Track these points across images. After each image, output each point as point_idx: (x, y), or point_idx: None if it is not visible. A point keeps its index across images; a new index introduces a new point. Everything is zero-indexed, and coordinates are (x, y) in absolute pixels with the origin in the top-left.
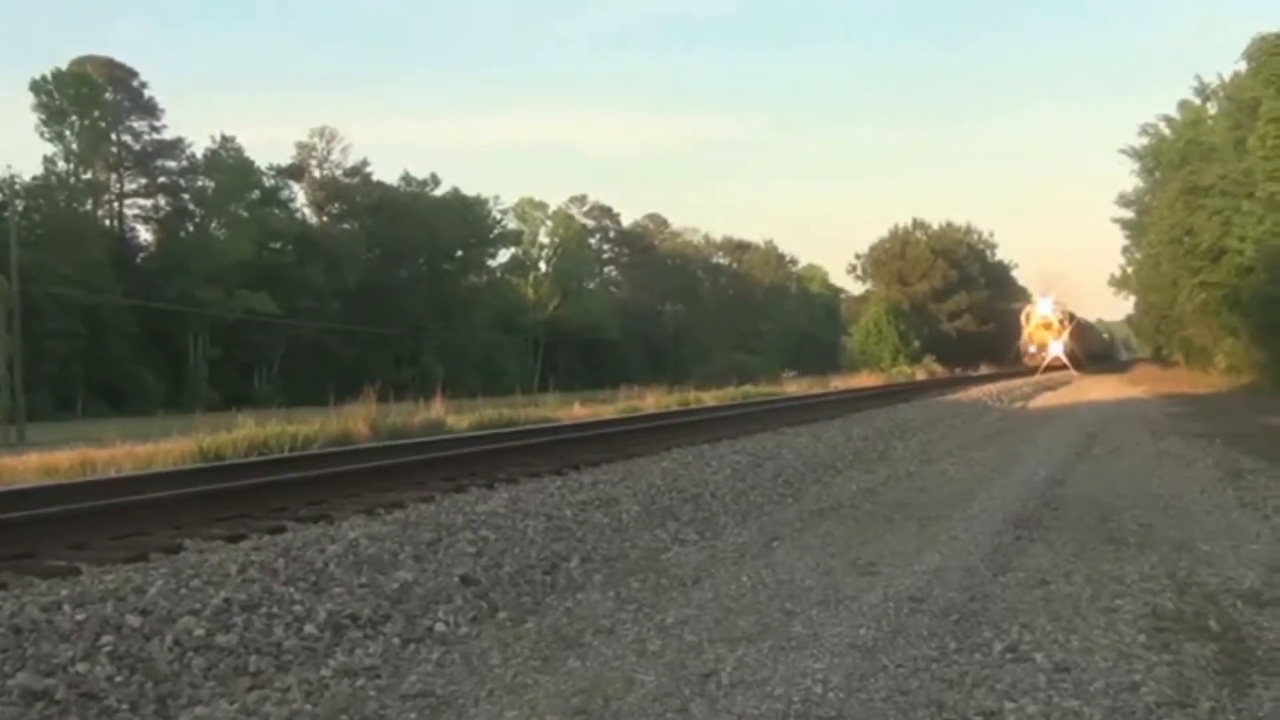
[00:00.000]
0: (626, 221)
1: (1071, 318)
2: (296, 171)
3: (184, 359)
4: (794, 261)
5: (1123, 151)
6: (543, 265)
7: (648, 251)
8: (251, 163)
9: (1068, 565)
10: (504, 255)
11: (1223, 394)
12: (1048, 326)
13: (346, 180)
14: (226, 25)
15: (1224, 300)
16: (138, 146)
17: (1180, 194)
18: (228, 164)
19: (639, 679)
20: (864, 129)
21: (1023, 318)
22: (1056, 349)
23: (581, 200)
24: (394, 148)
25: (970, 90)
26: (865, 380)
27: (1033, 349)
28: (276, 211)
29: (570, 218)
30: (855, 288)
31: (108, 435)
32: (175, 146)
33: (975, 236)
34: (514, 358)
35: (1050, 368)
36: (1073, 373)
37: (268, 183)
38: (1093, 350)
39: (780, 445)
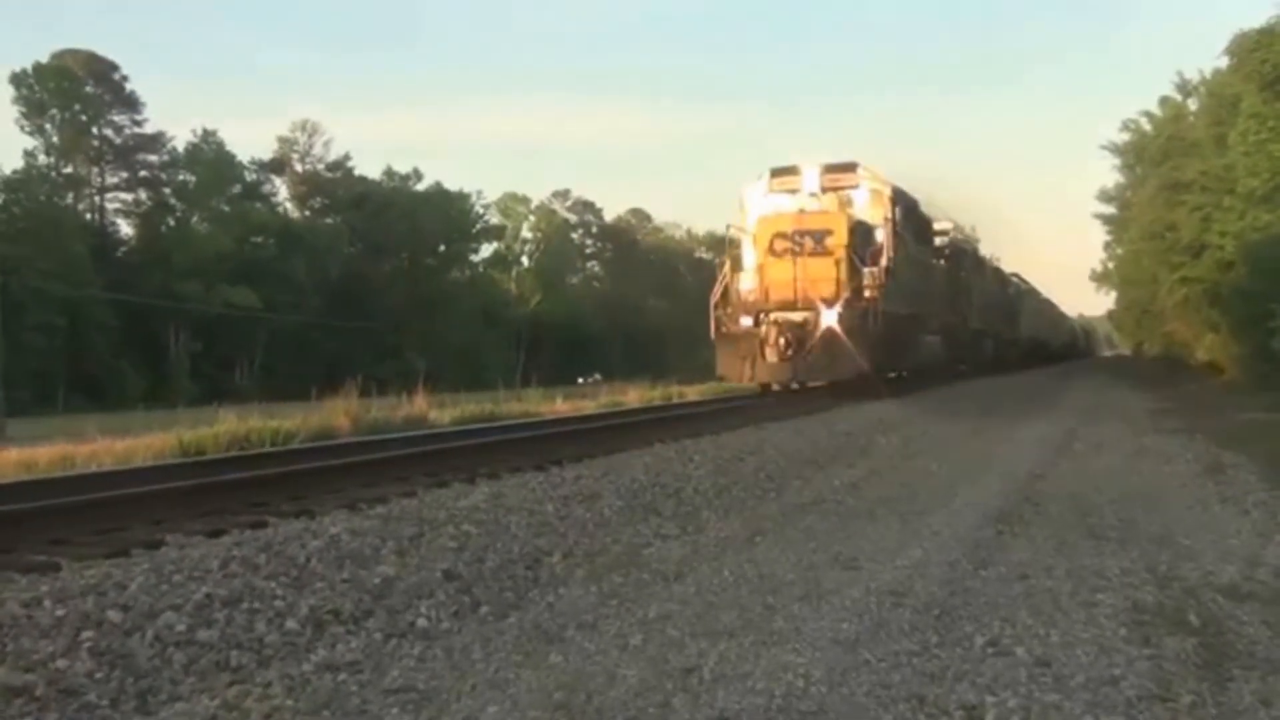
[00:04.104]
0: (609, 216)
1: (909, 211)
2: (278, 165)
3: (164, 353)
4: None
5: (1104, 147)
6: (525, 260)
7: (630, 246)
8: (233, 157)
9: (1048, 560)
10: (486, 250)
11: (1203, 389)
12: (812, 244)
13: (328, 174)
14: (208, 18)
15: (1204, 295)
16: (119, 140)
17: (1161, 189)
18: (209, 158)
19: (621, 674)
20: (845, 124)
21: (738, 213)
22: (830, 318)
23: (564, 195)
24: (376, 142)
25: (955, 85)
26: None
27: (747, 318)
28: (258, 205)
29: (553, 212)
30: None
31: (88, 430)
32: (156, 140)
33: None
34: (496, 352)
35: (808, 371)
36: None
37: (249, 177)
38: (1040, 336)
39: (763, 440)
